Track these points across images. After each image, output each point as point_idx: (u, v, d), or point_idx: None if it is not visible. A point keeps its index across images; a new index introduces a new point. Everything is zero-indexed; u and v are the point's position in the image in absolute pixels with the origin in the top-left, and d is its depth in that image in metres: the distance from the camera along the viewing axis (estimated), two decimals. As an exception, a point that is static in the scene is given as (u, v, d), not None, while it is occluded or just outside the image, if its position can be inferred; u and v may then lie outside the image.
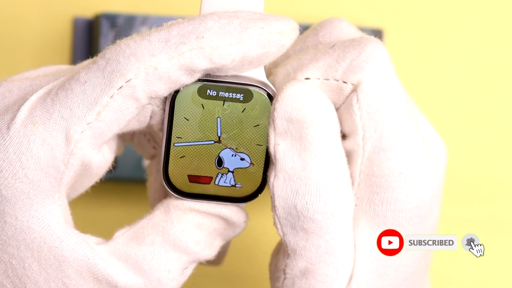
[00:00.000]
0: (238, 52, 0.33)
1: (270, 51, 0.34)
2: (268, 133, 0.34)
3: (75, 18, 0.55)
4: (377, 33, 0.55)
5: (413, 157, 0.34)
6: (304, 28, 0.56)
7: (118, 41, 0.34)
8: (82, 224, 0.38)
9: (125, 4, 0.55)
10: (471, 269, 0.58)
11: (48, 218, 0.34)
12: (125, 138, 0.38)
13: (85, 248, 0.34)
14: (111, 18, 0.53)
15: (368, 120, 0.34)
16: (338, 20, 0.37)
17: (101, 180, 0.37)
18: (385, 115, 0.34)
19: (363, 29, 0.55)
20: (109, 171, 0.37)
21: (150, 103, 0.35)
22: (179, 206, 0.35)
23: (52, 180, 0.33)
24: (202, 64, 0.33)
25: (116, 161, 0.52)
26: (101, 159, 0.35)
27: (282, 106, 0.33)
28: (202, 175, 0.35)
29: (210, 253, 0.36)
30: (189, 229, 0.35)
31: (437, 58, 0.57)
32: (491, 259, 0.58)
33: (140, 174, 0.53)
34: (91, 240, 0.35)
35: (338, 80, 0.34)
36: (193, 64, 0.33)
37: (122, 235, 0.36)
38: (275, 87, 0.35)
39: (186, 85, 0.34)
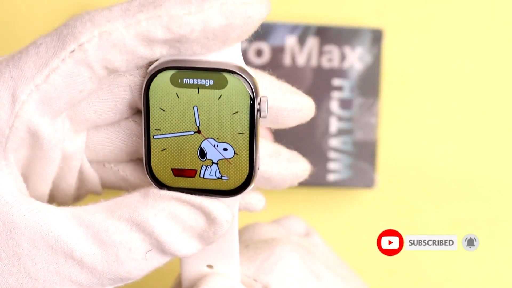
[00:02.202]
0: (198, 21, 0.31)
1: (234, 22, 0.32)
2: (249, 120, 0.33)
3: (75, 18, 0.55)
4: (377, 33, 0.55)
5: None
6: (304, 28, 0.56)
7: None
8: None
9: (125, 4, 0.55)
10: (471, 269, 0.58)
11: None
12: (117, 158, 0.37)
13: (38, 214, 0.32)
14: (111, 18, 0.53)
15: None
16: (257, 224, 0.41)
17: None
18: None
19: (363, 29, 0.55)
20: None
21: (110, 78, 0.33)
22: (160, 192, 0.34)
23: None
24: (160, 34, 0.32)
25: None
26: (53, 135, 0.33)
27: None
28: (186, 168, 0.34)
29: (180, 249, 0.34)
30: (161, 215, 0.34)
31: (437, 58, 0.57)
32: (491, 259, 0.58)
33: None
34: (52, 206, 0.33)
35: (249, 277, 0.38)
36: (150, 33, 0.32)
37: (93, 205, 0.34)
38: None
39: (159, 74, 0.33)
